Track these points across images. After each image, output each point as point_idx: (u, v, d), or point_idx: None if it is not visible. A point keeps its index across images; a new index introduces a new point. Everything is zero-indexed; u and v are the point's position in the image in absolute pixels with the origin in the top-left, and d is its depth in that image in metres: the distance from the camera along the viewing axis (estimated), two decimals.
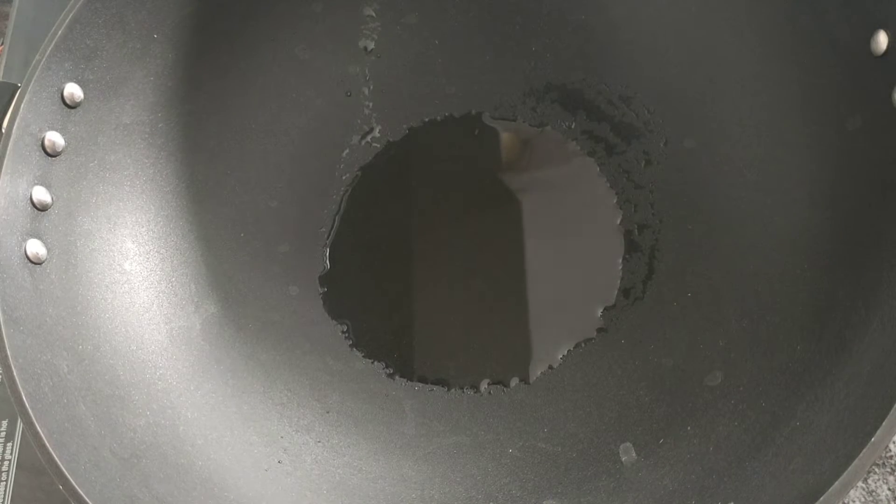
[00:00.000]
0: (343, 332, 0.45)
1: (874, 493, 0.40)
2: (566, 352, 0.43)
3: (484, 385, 0.43)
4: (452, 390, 0.43)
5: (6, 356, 0.31)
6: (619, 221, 0.45)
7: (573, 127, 0.48)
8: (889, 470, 0.41)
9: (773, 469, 0.32)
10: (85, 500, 0.29)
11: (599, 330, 0.43)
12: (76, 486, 0.29)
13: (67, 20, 0.36)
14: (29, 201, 0.35)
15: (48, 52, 0.36)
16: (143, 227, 0.41)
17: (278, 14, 0.45)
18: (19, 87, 0.35)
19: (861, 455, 0.26)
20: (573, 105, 0.48)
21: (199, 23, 0.42)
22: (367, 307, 0.45)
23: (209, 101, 0.44)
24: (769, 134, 0.40)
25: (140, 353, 0.38)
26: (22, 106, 0.35)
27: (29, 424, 0.31)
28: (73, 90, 0.37)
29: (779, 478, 0.31)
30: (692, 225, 0.44)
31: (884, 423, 0.27)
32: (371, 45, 0.48)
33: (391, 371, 0.43)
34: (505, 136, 0.48)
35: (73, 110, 0.37)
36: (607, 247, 0.45)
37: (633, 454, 0.38)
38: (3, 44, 0.54)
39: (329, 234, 0.47)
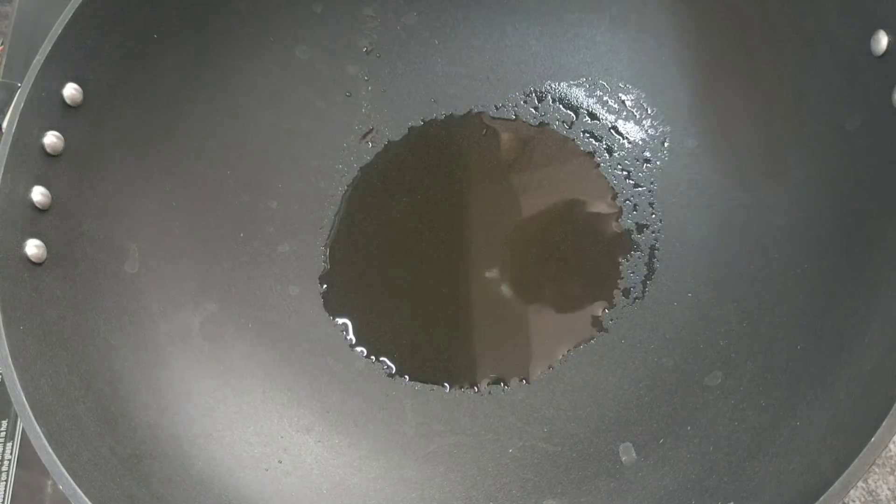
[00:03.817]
0: (343, 331, 0.45)
1: (874, 493, 0.40)
2: (566, 352, 0.43)
3: (484, 385, 0.43)
4: (452, 390, 0.43)
5: (6, 356, 0.31)
6: (619, 221, 0.45)
7: (573, 127, 0.48)
8: (889, 470, 0.41)
9: (773, 469, 0.32)
10: (85, 500, 0.29)
11: (599, 330, 0.43)
12: (76, 486, 0.29)
13: (67, 20, 0.36)
14: (29, 201, 0.35)
15: (48, 52, 0.36)
16: (142, 226, 0.41)
17: (278, 14, 0.45)
18: (19, 87, 0.35)
19: (861, 455, 0.26)
20: (573, 105, 0.48)
21: (199, 23, 0.42)
22: (367, 307, 0.45)
23: (209, 101, 0.44)
24: (769, 134, 0.40)
25: (140, 352, 0.38)
26: (22, 106, 0.35)
27: (29, 424, 0.31)
28: (73, 90, 0.37)
29: (779, 478, 0.31)
30: (692, 225, 0.44)
31: (884, 423, 0.26)
32: (371, 45, 0.48)
33: (391, 371, 0.43)
34: (505, 136, 0.48)
35: (73, 110, 0.37)
36: (607, 247, 0.45)
37: (633, 454, 0.38)
38: (3, 44, 0.54)
39: (329, 234, 0.47)
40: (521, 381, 0.43)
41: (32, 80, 0.35)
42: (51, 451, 0.30)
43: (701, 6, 0.42)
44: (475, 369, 0.43)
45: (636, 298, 0.43)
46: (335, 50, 0.48)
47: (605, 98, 0.48)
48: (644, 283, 0.44)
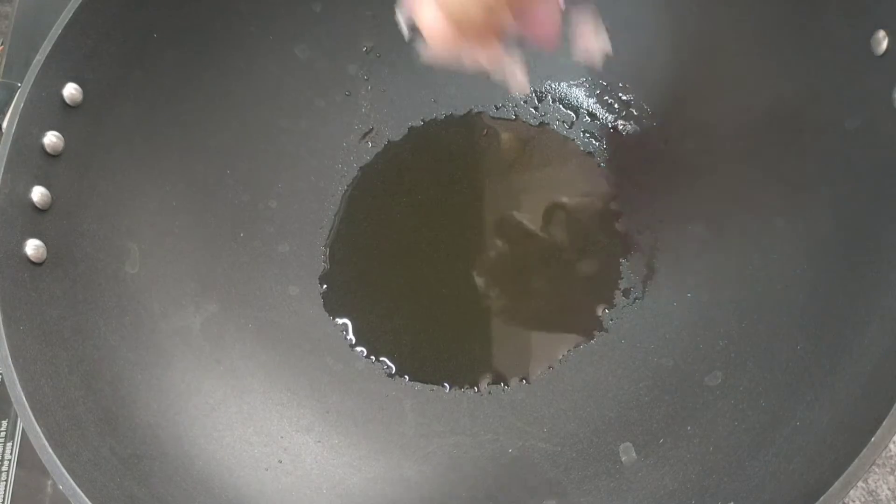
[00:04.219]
0: (343, 331, 0.45)
1: (874, 493, 0.40)
2: (566, 352, 0.43)
3: (484, 385, 0.43)
4: (452, 390, 0.43)
5: (6, 356, 0.31)
6: (619, 222, 0.45)
7: (573, 127, 0.48)
8: (889, 470, 0.41)
9: (773, 469, 0.32)
10: (85, 500, 0.29)
11: (599, 330, 0.43)
12: (76, 486, 0.29)
13: (67, 20, 0.36)
14: (29, 201, 0.35)
15: (48, 52, 0.36)
16: (142, 226, 0.41)
17: (278, 14, 0.45)
18: (19, 87, 0.35)
19: (861, 455, 0.26)
20: (573, 105, 0.48)
21: (199, 23, 0.42)
22: (367, 307, 0.45)
23: (209, 100, 0.44)
24: (769, 134, 0.40)
25: (140, 352, 0.38)
26: (22, 106, 0.35)
27: (29, 424, 0.30)
28: (73, 90, 0.37)
29: (779, 478, 0.31)
30: (692, 225, 0.44)
31: (884, 423, 0.27)
32: (371, 45, 0.48)
33: (391, 371, 0.43)
34: (505, 136, 0.48)
35: (73, 110, 0.37)
36: (607, 247, 0.45)
37: (633, 454, 0.38)
38: (3, 44, 0.54)
39: (329, 234, 0.47)
40: (521, 381, 0.43)
41: (32, 80, 0.35)
42: (51, 451, 0.30)
43: (701, 7, 0.42)
44: (475, 369, 0.43)
45: (636, 298, 0.43)
46: (335, 50, 0.48)
47: (605, 98, 0.48)
48: (644, 283, 0.44)
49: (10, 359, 0.31)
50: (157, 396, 0.37)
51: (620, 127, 0.47)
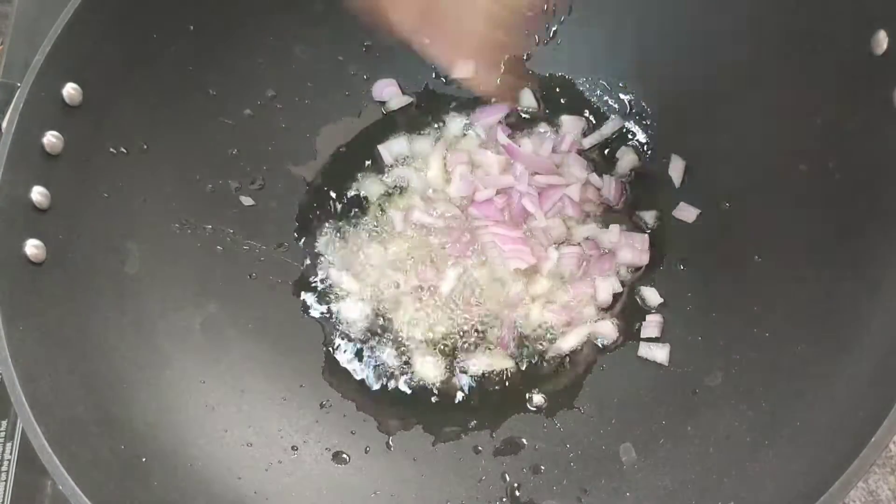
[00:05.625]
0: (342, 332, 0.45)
1: (874, 493, 0.40)
2: (568, 354, 0.43)
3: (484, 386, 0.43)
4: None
5: (6, 356, 0.31)
6: (619, 221, 0.45)
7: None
8: (889, 470, 0.41)
9: (773, 469, 0.32)
10: (85, 501, 0.29)
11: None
12: (76, 486, 0.29)
13: (67, 20, 0.36)
14: (29, 201, 0.35)
15: (48, 52, 0.36)
16: (142, 227, 0.41)
17: (279, 14, 0.45)
18: (19, 87, 0.35)
19: (861, 455, 0.26)
20: (574, 105, 0.48)
21: (199, 23, 0.42)
22: None
23: (209, 101, 0.44)
24: (770, 134, 0.40)
25: (139, 352, 0.38)
26: (22, 106, 0.35)
27: (29, 424, 0.31)
28: (72, 90, 0.37)
29: (779, 478, 0.31)
30: (693, 224, 0.44)
31: (884, 423, 0.27)
32: (370, 44, 0.48)
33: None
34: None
35: (72, 110, 0.37)
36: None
37: (633, 454, 0.38)
38: (3, 44, 0.54)
39: (328, 233, 0.47)
40: (522, 384, 0.43)
41: (32, 80, 0.35)
42: (51, 451, 0.30)
43: (702, 7, 0.42)
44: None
45: (637, 298, 0.43)
46: (335, 49, 0.48)
47: (605, 98, 0.48)
48: (645, 283, 0.44)
49: (10, 359, 0.31)
50: (156, 396, 0.38)
51: (620, 126, 0.47)
